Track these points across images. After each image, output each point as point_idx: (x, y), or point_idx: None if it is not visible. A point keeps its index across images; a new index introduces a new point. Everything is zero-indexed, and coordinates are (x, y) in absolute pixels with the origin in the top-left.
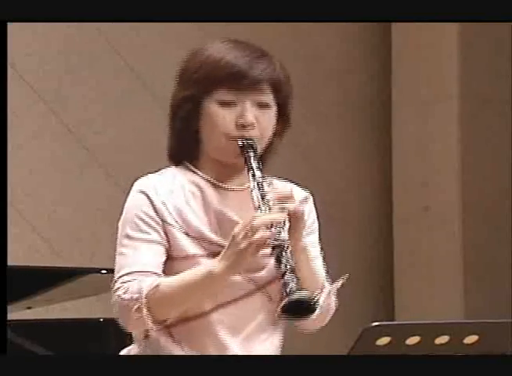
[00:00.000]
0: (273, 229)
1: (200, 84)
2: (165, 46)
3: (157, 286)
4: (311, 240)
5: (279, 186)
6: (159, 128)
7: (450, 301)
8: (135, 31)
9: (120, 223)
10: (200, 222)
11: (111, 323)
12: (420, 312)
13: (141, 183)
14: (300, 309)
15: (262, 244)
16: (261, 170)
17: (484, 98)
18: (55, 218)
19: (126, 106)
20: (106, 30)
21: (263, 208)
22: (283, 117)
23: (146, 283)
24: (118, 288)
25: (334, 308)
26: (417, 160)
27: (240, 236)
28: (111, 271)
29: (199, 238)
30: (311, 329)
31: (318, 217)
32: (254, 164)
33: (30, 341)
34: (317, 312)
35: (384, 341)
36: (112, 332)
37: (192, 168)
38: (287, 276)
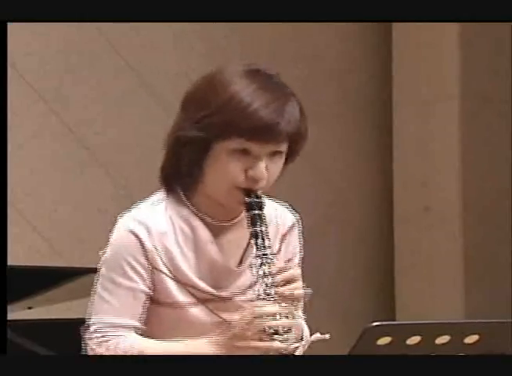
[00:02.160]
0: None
1: (215, 128)
2: (165, 46)
3: (134, 352)
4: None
5: (267, 210)
6: (159, 128)
7: (451, 300)
8: (135, 31)
9: (105, 260)
10: (191, 269)
11: None
12: (420, 311)
13: (133, 221)
14: None
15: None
16: (267, 237)
17: (484, 98)
18: (56, 217)
19: (126, 106)
20: (106, 30)
21: (264, 295)
22: (291, 158)
23: (124, 345)
24: (93, 338)
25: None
26: (418, 159)
27: (239, 333)
28: None
29: (188, 285)
30: None
31: (303, 242)
32: (259, 229)
33: (30, 341)
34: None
35: (384, 340)
36: None
37: (185, 201)
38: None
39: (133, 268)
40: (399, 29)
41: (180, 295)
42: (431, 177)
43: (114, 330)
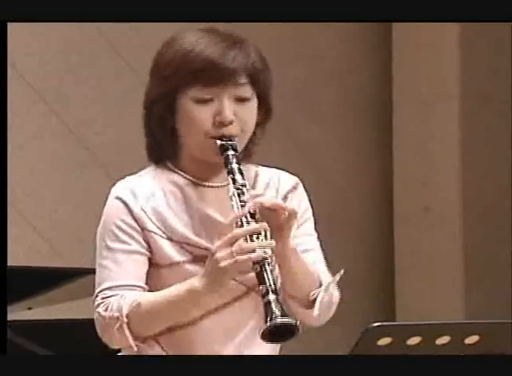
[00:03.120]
0: (256, 242)
1: (172, 80)
2: None
3: (138, 304)
4: (304, 231)
5: (266, 174)
6: None
7: (451, 301)
8: (136, 31)
9: (98, 230)
10: (183, 226)
11: None
12: (420, 312)
13: (118, 189)
14: (282, 333)
15: (244, 262)
16: (242, 173)
17: (484, 98)
18: (56, 218)
19: (126, 106)
20: (107, 30)
21: (243, 219)
22: (264, 108)
23: (127, 301)
24: (99, 305)
25: (336, 300)
26: (418, 159)
27: (220, 254)
28: None
29: (183, 243)
30: (316, 325)
31: (311, 204)
32: (235, 166)
33: (30, 342)
34: (316, 310)
35: (385, 341)
36: None
37: (172, 167)
38: (270, 297)
39: (124, 231)
40: (399, 29)
41: (176, 254)
42: (431, 177)
43: (116, 291)
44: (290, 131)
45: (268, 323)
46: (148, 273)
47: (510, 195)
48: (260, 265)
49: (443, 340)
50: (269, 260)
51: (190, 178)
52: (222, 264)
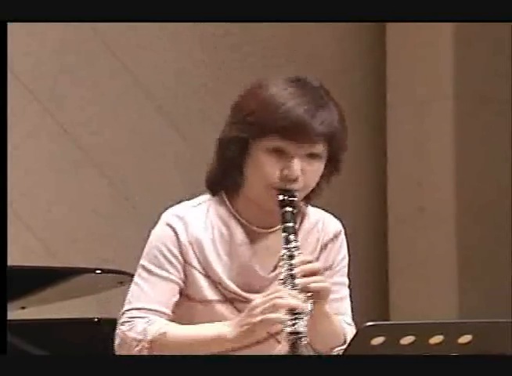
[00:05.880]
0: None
1: (253, 127)
2: (162, 46)
3: (164, 334)
4: (338, 280)
5: (311, 218)
6: (154, 129)
7: (445, 300)
8: (132, 31)
9: (144, 252)
10: (223, 268)
11: (106, 323)
12: (414, 311)
13: (173, 216)
14: None
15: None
16: (295, 233)
17: (480, 97)
18: (51, 218)
19: (122, 107)
20: (103, 30)
21: (288, 286)
22: (332, 165)
23: (153, 328)
24: (124, 322)
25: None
26: (413, 159)
27: (259, 310)
28: (106, 271)
29: (218, 283)
30: None
31: (348, 249)
32: (290, 225)
33: (24, 341)
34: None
35: (378, 340)
36: (107, 332)
37: (228, 204)
38: None
39: (167, 259)
40: (394, 29)
41: (209, 292)
42: (426, 177)
43: (143, 314)
44: None
45: None
46: (179, 303)
47: (507, 195)
48: (295, 337)
49: (436, 339)
50: (304, 334)
51: (243, 221)
52: (258, 319)
